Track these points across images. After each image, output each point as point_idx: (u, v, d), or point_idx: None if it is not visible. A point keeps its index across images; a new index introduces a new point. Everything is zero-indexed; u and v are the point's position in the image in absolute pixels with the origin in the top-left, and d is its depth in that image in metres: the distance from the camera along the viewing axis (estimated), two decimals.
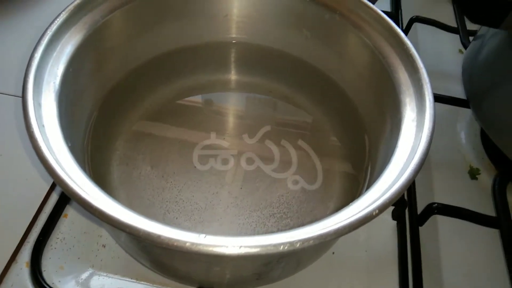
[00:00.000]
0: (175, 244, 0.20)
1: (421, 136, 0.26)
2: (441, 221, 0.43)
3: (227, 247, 0.20)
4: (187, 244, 0.20)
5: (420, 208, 0.42)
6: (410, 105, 0.29)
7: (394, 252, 0.40)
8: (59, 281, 0.36)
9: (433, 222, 0.43)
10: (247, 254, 0.20)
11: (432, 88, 0.29)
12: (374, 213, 0.22)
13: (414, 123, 0.28)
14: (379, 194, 0.24)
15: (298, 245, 0.21)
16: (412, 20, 0.59)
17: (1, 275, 0.35)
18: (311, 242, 0.21)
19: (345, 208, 0.24)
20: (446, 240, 0.42)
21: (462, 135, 0.51)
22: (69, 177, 0.22)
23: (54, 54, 0.29)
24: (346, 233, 0.22)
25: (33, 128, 0.24)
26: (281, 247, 0.20)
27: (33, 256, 0.36)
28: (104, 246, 0.38)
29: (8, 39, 0.51)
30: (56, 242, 0.38)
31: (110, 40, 0.34)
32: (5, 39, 0.51)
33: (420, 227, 0.41)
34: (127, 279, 0.36)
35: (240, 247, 0.20)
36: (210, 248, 0.20)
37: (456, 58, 0.59)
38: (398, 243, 0.40)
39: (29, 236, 0.37)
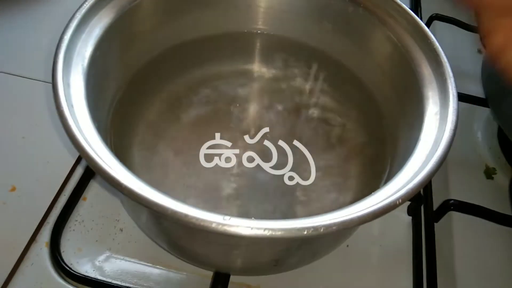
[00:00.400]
0: (202, 224, 0.20)
1: (445, 129, 0.26)
2: (456, 219, 0.43)
3: (251, 228, 0.20)
4: (213, 224, 0.20)
5: (435, 205, 0.42)
6: (433, 99, 0.29)
7: (408, 248, 0.40)
8: (77, 262, 0.37)
9: (448, 219, 0.43)
10: (271, 236, 0.20)
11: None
12: (397, 202, 0.22)
13: (437, 117, 0.28)
14: (402, 184, 0.24)
15: (322, 230, 0.21)
16: (432, 18, 0.58)
17: (22, 254, 0.36)
18: (334, 228, 0.21)
19: (368, 196, 0.24)
20: (461, 238, 0.42)
21: (479, 134, 0.51)
22: (99, 156, 0.23)
23: (83, 36, 0.29)
24: (370, 220, 0.22)
25: (63, 108, 0.24)
26: (305, 231, 0.21)
27: (53, 236, 0.37)
28: (122, 230, 0.38)
29: (37, 26, 0.51)
30: (75, 224, 0.38)
31: (137, 25, 0.35)
32: (34, 27, 0.51)
33: (435, 224, 0.41)
34: (144, 263, 0.37)
35: (265, 229, 0.21)
36: (234, 229, 0.20)
37: (474, 58, 0.59)
38: (412, 238, 0.40)
39: (49, 217, 0.38)
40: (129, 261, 0.37)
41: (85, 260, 0.37)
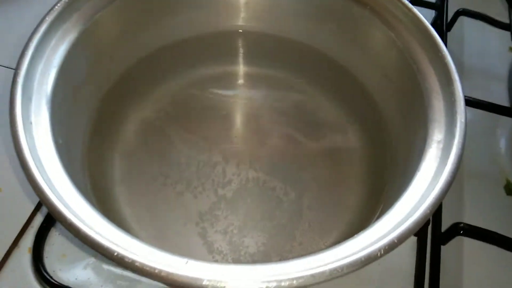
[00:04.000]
0: (148, 270, 0.18)
1: (446, 163, 0.23)
2: (468, 241, 0.39)
3: (203, 280, 0.18)
4: (163, 273, 0.18)
5: (446, 223, 0.39)
6: (438, 123, 0.25)
7: (411, 270, 0.37)
8: (60, 269, 0.35)
9: (459, 241, 0.39)
10: None
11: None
12: (378, 254, 0.19)
13: (440, 146, 0.24)
14: (390, 227, 0.21)
15: (286, 284, 0.18)
16: (458, 13, 0.54)
17: (3, 261, 0.35)
18: (301, 281, 0.18)
19: (348, 240, 0.21)
20: (470, 262, 0.38)
21: (502, 145, 0.47)
22: (49, 186, 0.21)
23: (53, 43, 0.27)
24: (343, 275, 0.19)
25: (17, 126, 0.22)
26: (266, 285, 0.18)
27: (36, 242, 0.35)
28: None
29: (11, 10, 0.49)
30: (61, 229, 0.37)
31: (109, 33, 0.32)
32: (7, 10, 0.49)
33: (442, 246, 0.38)
34: (129, 272, 0.35)
35: (221, 282, 0.18)
36: (186, 280, 0.18)
37: (504, 57, 0.54)
38: (416, 260, 0.37)
39: (33, 221, 0.37)
40: (114, 269, 0.36)
41: (69, 267, 0.36)
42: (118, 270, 0.35)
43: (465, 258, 0.38)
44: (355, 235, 0.21)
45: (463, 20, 0.54)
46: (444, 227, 0.39)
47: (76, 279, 0.35)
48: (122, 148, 0.35)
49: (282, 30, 0.38)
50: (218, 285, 0.18)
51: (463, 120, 0.24)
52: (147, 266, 0.18)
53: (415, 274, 0.36)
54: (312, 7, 0.35)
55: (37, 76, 0.25)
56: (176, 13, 0.35)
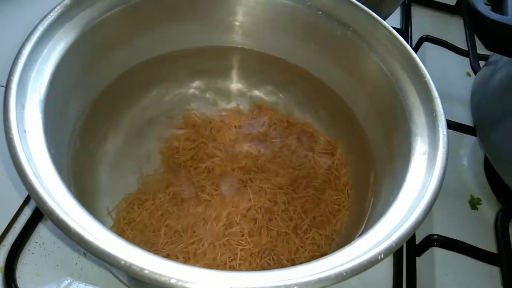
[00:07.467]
0: (159, 279, 0.18)
1: (433, 173, 0.24)
2: (438, 252, 0.41)
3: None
4: (172, 280, 0.18)
5: (417, 236, 0.41)
6: (422, 136, 0.27)
7: (389, 281, 0.38)
8: None
9: (430, 252, 0.41)
10: None
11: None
12: (379, 257, 0.20)
13: (425, 157, 0.26)
14: (384, 234, 0.22)
15: None
16: (422, 39, 0.57)
17: None
18: (309, 286, 0.19)
19: (346, 246, 0.22)
20: (443, 272, 0.40)
21: (465, 162, 0.50)
22: (48, 193, 0.20)
23: (45, 52, 0.27)
24: (348, 278, 0.20)
25: (13, 135, 0.21)
26: None
27: (8, 261, 0.34)
28: (85, 254, 0.36)
29: (2, 24, 0.48)
30: (35, 247, 0.36)
31: (108, 38, 0.32)
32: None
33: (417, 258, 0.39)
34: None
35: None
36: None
37: (463, 81, 0.58)
38: (393, 272, 0.38)
39: (5, 239, 0.35)
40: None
41: (43, 287, 0.34)
42: None
43: (436, 268, 0.40)
44: (352, 242, 0.22)
45: (426, 45, 0.58)
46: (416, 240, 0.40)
47: None
48: (106, 161, 0.34)
49: (270, 49, 0.38)
50: None
51: (445, 133, 0.26)
52: (156, 274, 0.18)
53: (393, 285, 0.38)
54: (298, 29, 0.37)
55: (30, 83, 0.25)
56: (172, 24, 0.35)
